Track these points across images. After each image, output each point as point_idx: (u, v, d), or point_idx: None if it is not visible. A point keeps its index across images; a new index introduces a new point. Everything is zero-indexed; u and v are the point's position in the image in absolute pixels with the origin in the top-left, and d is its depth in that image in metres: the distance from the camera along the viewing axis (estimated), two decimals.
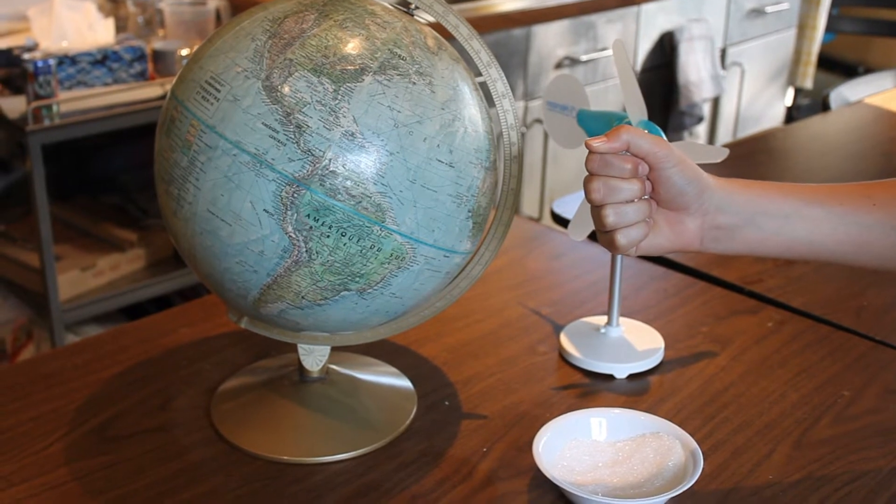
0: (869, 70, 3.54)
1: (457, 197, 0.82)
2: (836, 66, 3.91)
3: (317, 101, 0.77)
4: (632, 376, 1.04)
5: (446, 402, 0.99)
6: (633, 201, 0.81)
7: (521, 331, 1.12)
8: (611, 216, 0.81)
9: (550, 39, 2.60)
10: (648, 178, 0.82)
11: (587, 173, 0.82)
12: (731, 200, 0.84)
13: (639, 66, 2.92)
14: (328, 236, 0.78)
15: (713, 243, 0.86)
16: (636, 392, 1.01)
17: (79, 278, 2.09)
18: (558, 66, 2.64)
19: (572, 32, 2.65)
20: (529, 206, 2.72)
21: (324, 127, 0.77)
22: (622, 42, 0.96)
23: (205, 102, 0.79)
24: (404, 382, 1.01)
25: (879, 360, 1.07)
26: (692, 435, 0.89)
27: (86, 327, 2.17)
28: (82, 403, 0.97)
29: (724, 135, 3.33)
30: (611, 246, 0.83)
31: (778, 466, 0.90)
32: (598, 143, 0.80)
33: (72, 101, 1.97)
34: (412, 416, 0.96)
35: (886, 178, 0.89)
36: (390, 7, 0.85)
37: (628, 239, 0.82)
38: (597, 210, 0.82)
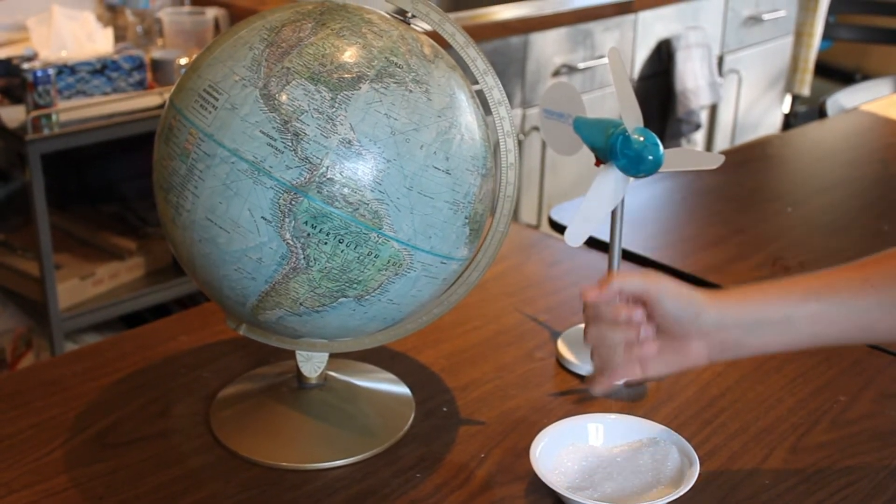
0: (866, 77, 3.55)
1: (453, 204, 0.82)
2: (834, 73, 3.92)
3: (314, 108, 0.78)
4: (629, 382, 1.04)
5: (444, 409, 0.99)
6: (620, 347, 0.85)
7: (519, 337, 1.13)
8: (595, 360, 0.88)
9: (548, 47, 2.60)
10: (646, 312, 0.85)
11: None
12: (728, 316, 0.85)
13: (636, 74, 2.93)
14: (326, 243, 0.79)
15: (721, 355, 0.87)
16: (633, 398, 1.01)
17: (78, 287, 2.09)
18: (556, 73, 2.64)
19: (569, 40, 2.66)
20: (528, 213, 2.72)
21: (321, 135, 0.77)
22: (618, 50, 0.96)
23: (203, 111, 0.80)
24: (402, 389, 1.01)
25: (875, 365, 1.08)
26: (688, 440, 0.90)
27: (85, 336, 2.17)
28: (82, 411, 0.98)
29: (722, 142, 3.34)
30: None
31: (774, 471, 0.90)
32: (592, 294, 0.85)
33: (71, 110, 1.98)
34: (410, 423, 0.96)
35: (882, 184, 0.89)
36: (387, 16, 0.86)
37: (607, 383, 0.88)
38: (591, 351, 0.89)
